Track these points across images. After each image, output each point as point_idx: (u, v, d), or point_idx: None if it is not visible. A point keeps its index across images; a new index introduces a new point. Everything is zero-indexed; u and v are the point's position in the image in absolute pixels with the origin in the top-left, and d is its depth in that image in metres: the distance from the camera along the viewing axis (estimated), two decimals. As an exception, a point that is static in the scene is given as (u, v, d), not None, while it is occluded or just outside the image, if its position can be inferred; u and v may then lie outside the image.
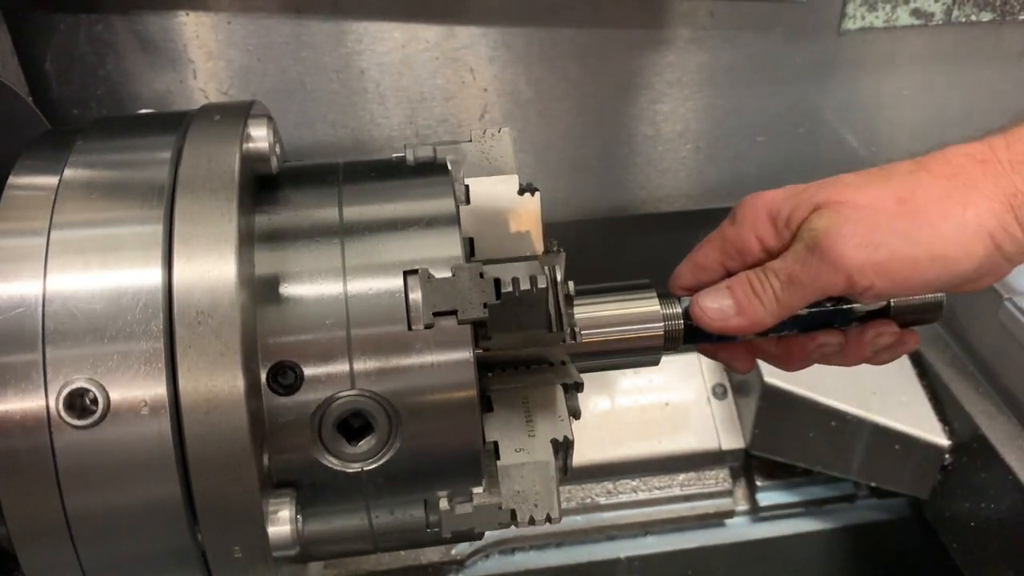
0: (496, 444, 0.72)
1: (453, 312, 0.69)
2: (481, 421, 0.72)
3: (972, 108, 1.42)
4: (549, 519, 0.70)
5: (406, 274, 0.71)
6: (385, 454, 0.70)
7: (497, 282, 0.69)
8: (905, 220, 0.74)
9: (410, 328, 0.69)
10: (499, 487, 0.70)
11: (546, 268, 0.72)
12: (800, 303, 0.80)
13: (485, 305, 0.69)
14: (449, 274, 0.69)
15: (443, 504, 0.71)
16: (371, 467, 0.70)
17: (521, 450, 0.72)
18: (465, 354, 0.69)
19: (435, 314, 0.68)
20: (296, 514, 0.68)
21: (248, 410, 0.64)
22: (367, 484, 0.71)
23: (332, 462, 0.69)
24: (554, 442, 0.72)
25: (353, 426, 0.70)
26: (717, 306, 0.82)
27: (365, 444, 0.70)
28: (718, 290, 0.83)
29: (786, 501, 1.54)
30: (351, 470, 0.70)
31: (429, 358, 0.69)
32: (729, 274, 0.84)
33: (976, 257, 0.74)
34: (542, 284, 0.69)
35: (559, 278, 0.78)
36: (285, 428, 0.68)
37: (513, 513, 0.70)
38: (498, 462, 0.71)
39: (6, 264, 0.66)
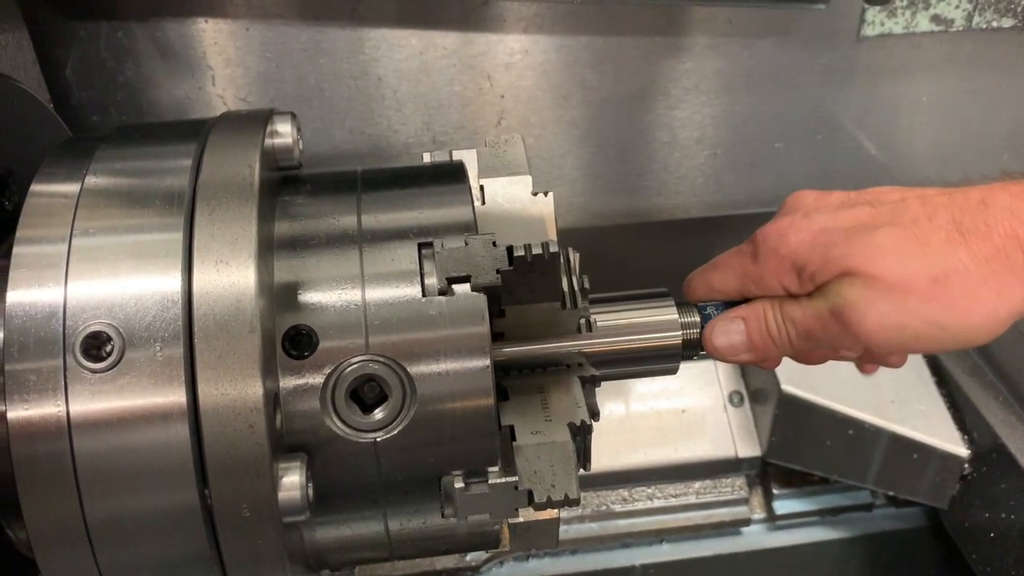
0: (512, 428, 0.72)
1: (467, 278, 0.69)
2: (496, 393, 0.71)
3: (992, 115, 1.41)
4: (568, 500, 0.68)
5: (421, 246, 0.72)
6: (399, 424, 0.69)
7: (510, 250, 0.70)
8: (936, 305, 0.71)
9: (424, 295, 0.70)
10: (515, 468, 0.69)
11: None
12: (813, 351, 0.80)
13: (498, 272, 0.69)
14: (463, 244, 0.70)
15: (457, 483, 0.70)
16: (384, 438, 0.70)
17: (538, 432, 0.71)
18: (479, 325, 0.70)
19: (448, 280, 0.70)
20: (307, 481, 0.67)
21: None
22: (380, 457, 0.70)
23: (345, 430, 0.69)
24: (571, 426, 0.72)
25: (367, 400, 0.70)
26: (729, 341, 0.81)
27: (379, 413, 0.70)
28: (731, 322, 0.82)
29: (803, 509, 1.54)
30: (364, 440, 0.70)
31: (443, 326, 0.70)
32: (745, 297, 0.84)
33: (997, 334, 0.73)
34: (553, 249, 0.70)
35: (573, 261, 0.79)
36: (298, 393, 0.69)
37: (530, 494, 0.68)
38: (514, 442, 0.70)
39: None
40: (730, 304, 0.84)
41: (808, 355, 0.83)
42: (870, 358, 0.86)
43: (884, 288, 0.72)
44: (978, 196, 0.72)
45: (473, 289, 0.70)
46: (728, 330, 0.82)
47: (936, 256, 0.71)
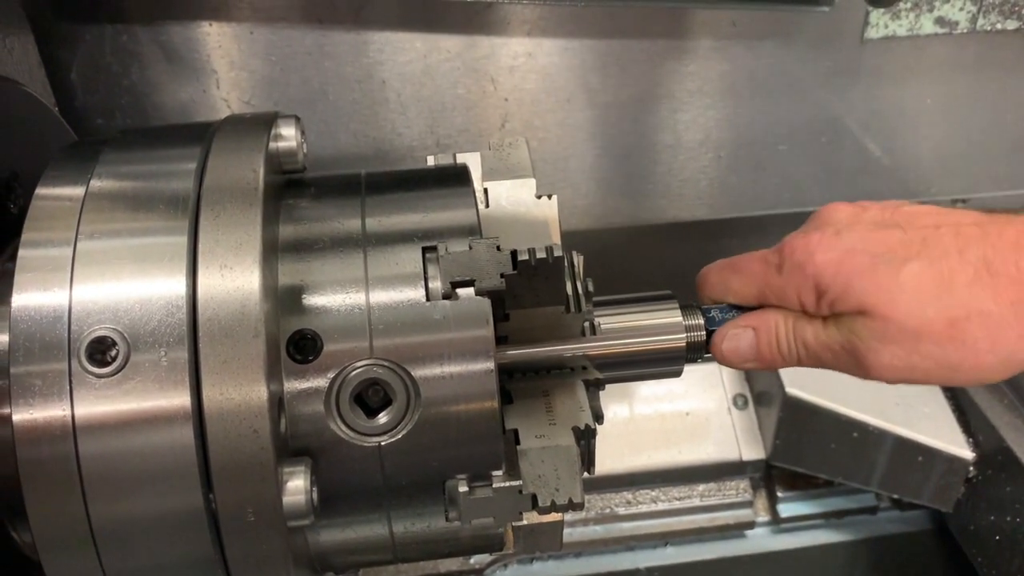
0: (516, 431, 0.72)
1: (471, 282, 0.70)
2: (500, 397, 0.71)
3: (997, 117, 1.41)
4: (572, 504, 0.68)
5: (425, 250, 0.72)
6: (403, 428, 0.69)
7: (514, 254, 0.70)
8: (950, 347, 0.71)
9: (428, 299, 0.70)
10: (519, 472, 0.69)
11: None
12: (819, 367, 0.80)
13: (502, 276, 0.69)
14: (467, 248, 0.70)
15: (462, 487, 0.70)
16: (388, 442, 0.70)
17: (542, 436, 0.71)
18: (483, 329, 0.70)
19: (453, 284, 0.70)
20: (311, 484, 0.67)
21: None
22: (384, 461, 0.70)
23: (349, 434, 0.69)
24: (575, 429, 0.72)
25: (372, 405, 0.70)
26: (737, 348, 0.82)
27: (383, 417, 0.70)
28: (742, 330, 0.82)
29: (807, 512, 1.54)
30: (368, 444, 0.70)
31: (448, 330, 0.70)
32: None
33: (1013, 375, 0.72)
34: (558, 253, 0.70)
35: (577, 264, 0.79)
36: (302, 397, 0.69)
37: (534, 498, 0.69)
38: (518, 446, 0.71)
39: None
40: (734, 306, 0.84)
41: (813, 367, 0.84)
42: None
43: (898, 330, 0.72)
44: (1013, 236, 0.71)
45: (477, 293, 0.70)
46: (737, 337, 0.82)
47: (958, 297, 0.71)
